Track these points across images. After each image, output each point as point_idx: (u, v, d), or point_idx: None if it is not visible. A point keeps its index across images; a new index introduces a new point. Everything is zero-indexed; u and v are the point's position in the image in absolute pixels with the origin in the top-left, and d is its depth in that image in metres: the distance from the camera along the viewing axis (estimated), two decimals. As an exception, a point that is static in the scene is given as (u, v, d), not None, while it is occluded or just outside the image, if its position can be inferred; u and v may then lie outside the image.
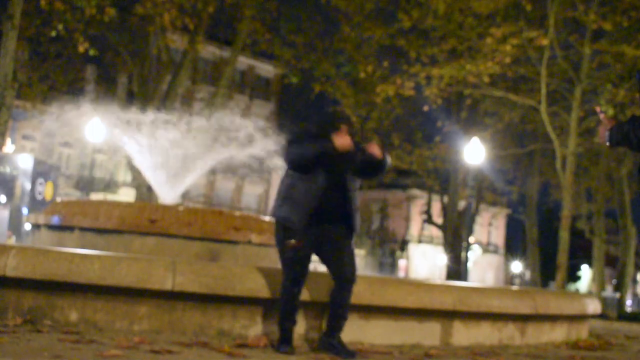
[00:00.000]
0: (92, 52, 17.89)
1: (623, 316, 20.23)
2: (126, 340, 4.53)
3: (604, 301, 20.49)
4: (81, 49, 17.32)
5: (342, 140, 4.77)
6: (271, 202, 46.58)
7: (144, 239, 7.26)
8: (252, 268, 5.55)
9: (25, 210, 18.92)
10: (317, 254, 4.98)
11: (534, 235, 30.12)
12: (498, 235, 56.97)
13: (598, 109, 2.97)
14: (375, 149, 4.82)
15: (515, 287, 8.37)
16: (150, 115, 10.08)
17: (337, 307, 4.94)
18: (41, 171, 20.27)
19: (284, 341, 4.84)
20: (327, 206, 4.88)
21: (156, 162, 9.87)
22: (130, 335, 4.82)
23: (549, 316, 6.76)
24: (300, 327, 5.24)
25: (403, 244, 50.04)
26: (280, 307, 4.92)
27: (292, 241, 4.83)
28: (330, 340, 4.90)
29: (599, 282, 27.26)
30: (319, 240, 4.91)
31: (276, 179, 43.51)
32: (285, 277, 4.89)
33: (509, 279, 56.07)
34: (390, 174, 27.83)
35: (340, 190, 4.94)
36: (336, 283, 4.96)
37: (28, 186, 19.48)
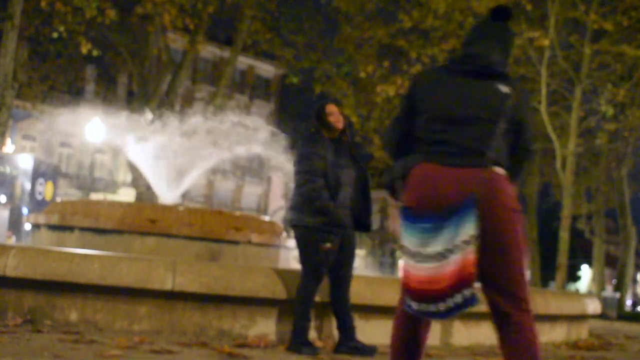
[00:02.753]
0: (94, 53, 17.92)
1: (623, 316, 20.23)
2: (126, 340, 4.53)
3: (604, 301, 20.48)
4: (84, 50, 17.36)
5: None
6: (273, 203, 46.11)
7: (144, 239, 7.25)
8: (252, 268, 5.55)
9: (25, 210, 18.93)
10: None
11: (534, 236, 30.12)
12: (498, 235, 56.90)
13: None
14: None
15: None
16: (150, 116, 10.10)
17: (346, 309, 5.00)
18: (41, 171, 20.28)
19: (306, 343, 4.83)
20: (352, 206, 4.96)
21: (156, 163, 9.87)
22: (130, 335, 4.82)
23: (549, 316, 6.76)
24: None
25: (403, 244, 49.97)
26: (300, 307, 4.91)
27: (328, 244, 4.82)
28: (353, 343, 4.95)
29: (599, 282, 27.25)
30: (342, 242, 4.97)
31: (276, 179, 43.55)
32: (309, 278, 4.90)
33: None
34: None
35: (360, 188, 5.01)
36: (335, 284, 5.00)
37: (28, 186, 19.50)
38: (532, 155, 3.11)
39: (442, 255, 2.68)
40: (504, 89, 2.84)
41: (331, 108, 4.98)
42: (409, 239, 2.77)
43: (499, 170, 2.79)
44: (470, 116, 2.79)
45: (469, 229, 2.64)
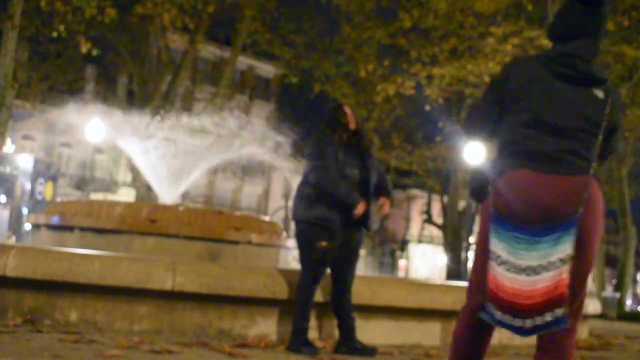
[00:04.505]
0: (94, 53, 17.95)
1: (623, 316, 20.22)
2: (126, 340, 4.53)
3: (604, 301, 20.47)
4: (84, 49, 17.39)
5: (360, 209, 4.88)
6: (273, 203, 46.07)
7: (144, 239, 7.25)
8: (252, 268, 5.55)
9: (25, 210, 18.92)
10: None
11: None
12: (498, 235, 56.88)
13: None
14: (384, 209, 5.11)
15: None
16: (149, 115, 10.09)
17: (347, 309, 5.02)
18: (41, 171, 20.27)
19: (305, 343, 4.83)
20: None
21: (156, 163, 9.86)
22: (130, 335, 4.82)
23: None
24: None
25: (403, 244, 50.05)
26: (299, 308, 4.91)
27: (323, 243, 4.81)
28: (353, 344, 4.97)
29: (599, 282, 27.24)
30: (343, 242, 4.95)
31: (276, 179, 43.56)
32: (307, 277, 4.91)
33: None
34: (390, 174, 27.83)
35: (363, 188, 5.02)
36: (338, 285, 5.01)
37: (28, 186, 19.49)
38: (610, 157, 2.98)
39: (534, 271, 2.58)
40: (600, 94, 2.75)
41: (348, 109, 5.15)
42: (499, 245, 2.65)
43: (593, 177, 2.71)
44: (573, 127, 2.69)
45: (566, 247, 2.56)
